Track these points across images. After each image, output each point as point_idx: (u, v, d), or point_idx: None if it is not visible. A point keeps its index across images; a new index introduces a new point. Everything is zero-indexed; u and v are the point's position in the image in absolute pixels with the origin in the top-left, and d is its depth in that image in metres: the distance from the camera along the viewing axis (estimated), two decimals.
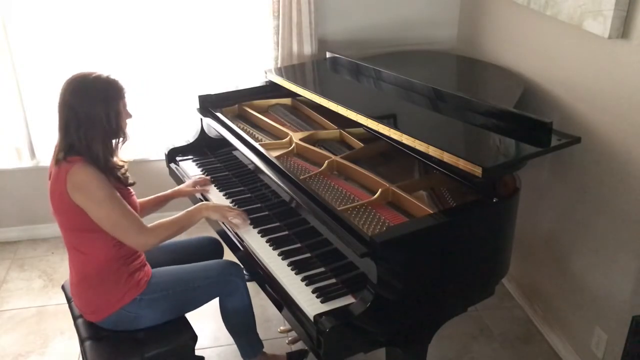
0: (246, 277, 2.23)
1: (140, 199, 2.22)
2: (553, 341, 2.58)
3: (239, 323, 2.24)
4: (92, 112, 1.81)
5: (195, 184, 2.40)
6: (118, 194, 1.88)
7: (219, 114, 2.58)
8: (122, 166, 1.96)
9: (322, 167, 2.17)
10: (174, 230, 2.01)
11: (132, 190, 2.01)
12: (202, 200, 2.34)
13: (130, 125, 1.96)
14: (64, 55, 3.07)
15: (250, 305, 2.21)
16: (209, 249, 2.35)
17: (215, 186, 2.41)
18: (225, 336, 2.51)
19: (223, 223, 2.18)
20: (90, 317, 2.00)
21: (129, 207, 1.90)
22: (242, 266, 2.20)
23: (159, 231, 1.96)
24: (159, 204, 2.32)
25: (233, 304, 2.18)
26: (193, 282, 2.07)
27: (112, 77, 1.87)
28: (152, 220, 2.01)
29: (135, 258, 2.01)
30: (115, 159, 1.94)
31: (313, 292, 1.78)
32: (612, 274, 2.16)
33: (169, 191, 2.36)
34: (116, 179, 1.91)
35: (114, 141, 1.91)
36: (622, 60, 1.99)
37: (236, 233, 2.13)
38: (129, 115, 1.94)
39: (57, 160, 1.87)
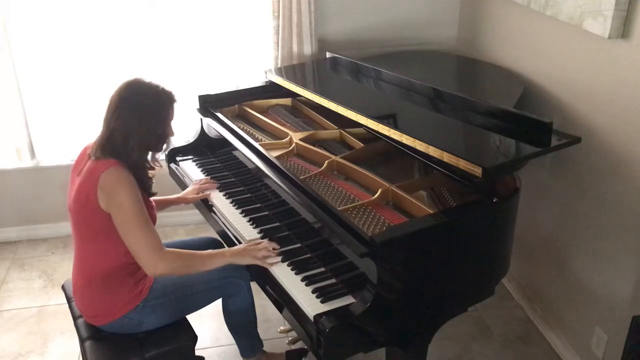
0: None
1: None
2: (553, 341, 2.58)
3: (241, 323, 2.23)
4: (143, 121, 1.86)
5: (197, 190, 2.37)
6: (143, 204, 1.86)
7: (219, 114, 2.58)
8: (151, 169, 1.98)
9: (322, 167, 2.17)
10: (189, 264, 1.92)
11: (152, 202, 2.01)
12: (206, 206, 2.33)
13: None
14: (64, 55, 3.07)
15: (252, 305, 2.20)
16: (209, 247, 2.34)
17: (216, 187, 2.40)
18: (225, 336, 2.52)
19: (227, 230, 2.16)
20: (91, 320, 2.00)
21: (151, 223, 1.88)
22: (244, 267, 2.18)
23: (173, 258, 1.88)
24: (159, 208, 2.27)
25: (235, 305, 2.17)
26: (194, 286, 2.05)
27: (167, 88, 1.93)
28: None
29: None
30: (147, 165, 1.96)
31: (313, 292, 1.78)
32: (612, 274, 2.16)
33: (172, 197, 2.35)
34: (141, 182, 1.90)
35: (152, 150, 1.95)
36: (622, 60, 1.99)
37: (236, 236, 2.13)
38: (172, 133, 1.98)
39: (94, 156, 1.86)
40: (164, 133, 1.95)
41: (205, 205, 2.36)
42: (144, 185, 1.94)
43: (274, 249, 1.97)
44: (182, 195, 2.39)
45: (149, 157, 1.96)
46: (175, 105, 1.96)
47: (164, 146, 1.98)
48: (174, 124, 1.98)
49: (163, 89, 1.92)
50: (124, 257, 1.90)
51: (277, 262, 1.94)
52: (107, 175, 1.81)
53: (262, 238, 2.07)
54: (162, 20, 3.09)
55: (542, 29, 2.47)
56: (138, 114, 1.86)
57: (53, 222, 3.35)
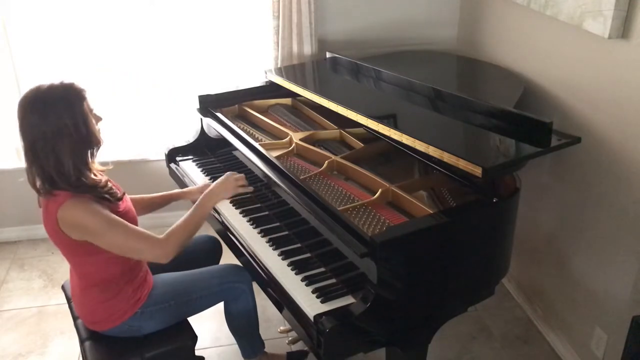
0: None
1: (147, 194, 2.22)
2: (553, 341, 2.58)
3: (243, 325, 2.23)
4: (58, 123, 1.66)
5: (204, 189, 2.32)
6: (115, 217, 1.76)
7: (219, 114, 2.58)
8: (100, 180, 1.80)
9: (322, 167, 2.17)
10: (189, 230, 1.92)
11: (126, 199, 1.91)
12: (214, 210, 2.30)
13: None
14: (64, 55, 3.07)
15: (254, 307, 2.20)
16: (208, 247, 2.35)
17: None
18: (225, 336, 2.52)
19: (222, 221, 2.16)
20: (90, 326, 1.99)
21: (132, 227, 1.79)
22: (245, 269, 2.16)
23: (174, 238, 1.86)
24: (165, 202, 2.28)
25: (237, 308, 2.16)
26: (195, 292, 2.04)
27: (67, 81, 1.73)
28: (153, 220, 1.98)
29: (138, 272, 1.96)
30: (92, 174, 1.78)
31: (313, 292, 1.78)
32: (612, 274, 2.16)
33: (177, 191, 2.32)
34: (102, 198, 1.76)
35: (88, 152, 1.76)
36: (622, 60, 1.99)
37: (236, 236, 2.13)
38: (99, 118, 1.79)
39: (40, 192, 1.74)
40: (89, 129, 1.72)
41: None
42: (106, 197, 1.78)
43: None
44: (186, 191, 2.32)
45: (89, 158, 1.76)
46: (87, 95, 1.74)
47: (99, 142, 1.77)
48: (97, 110, 1.79)
49: (62, 82, 1.71)
50: (119, 265, 1.87)
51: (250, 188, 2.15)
52: (63, 213, 1.70)
53: (262, 237, 2.07)
54: (162, 21, 3.09)
55: (542, 29, 2.47)
56: (53, 122, 1.66)
57: None
